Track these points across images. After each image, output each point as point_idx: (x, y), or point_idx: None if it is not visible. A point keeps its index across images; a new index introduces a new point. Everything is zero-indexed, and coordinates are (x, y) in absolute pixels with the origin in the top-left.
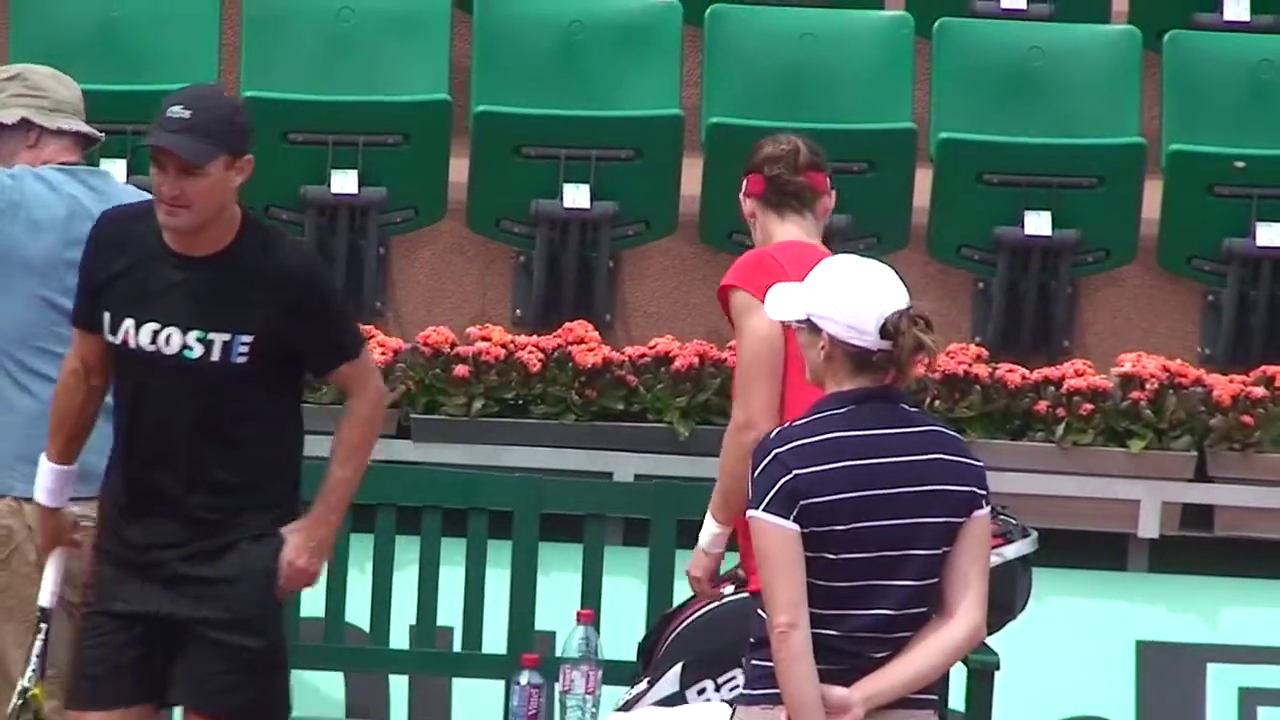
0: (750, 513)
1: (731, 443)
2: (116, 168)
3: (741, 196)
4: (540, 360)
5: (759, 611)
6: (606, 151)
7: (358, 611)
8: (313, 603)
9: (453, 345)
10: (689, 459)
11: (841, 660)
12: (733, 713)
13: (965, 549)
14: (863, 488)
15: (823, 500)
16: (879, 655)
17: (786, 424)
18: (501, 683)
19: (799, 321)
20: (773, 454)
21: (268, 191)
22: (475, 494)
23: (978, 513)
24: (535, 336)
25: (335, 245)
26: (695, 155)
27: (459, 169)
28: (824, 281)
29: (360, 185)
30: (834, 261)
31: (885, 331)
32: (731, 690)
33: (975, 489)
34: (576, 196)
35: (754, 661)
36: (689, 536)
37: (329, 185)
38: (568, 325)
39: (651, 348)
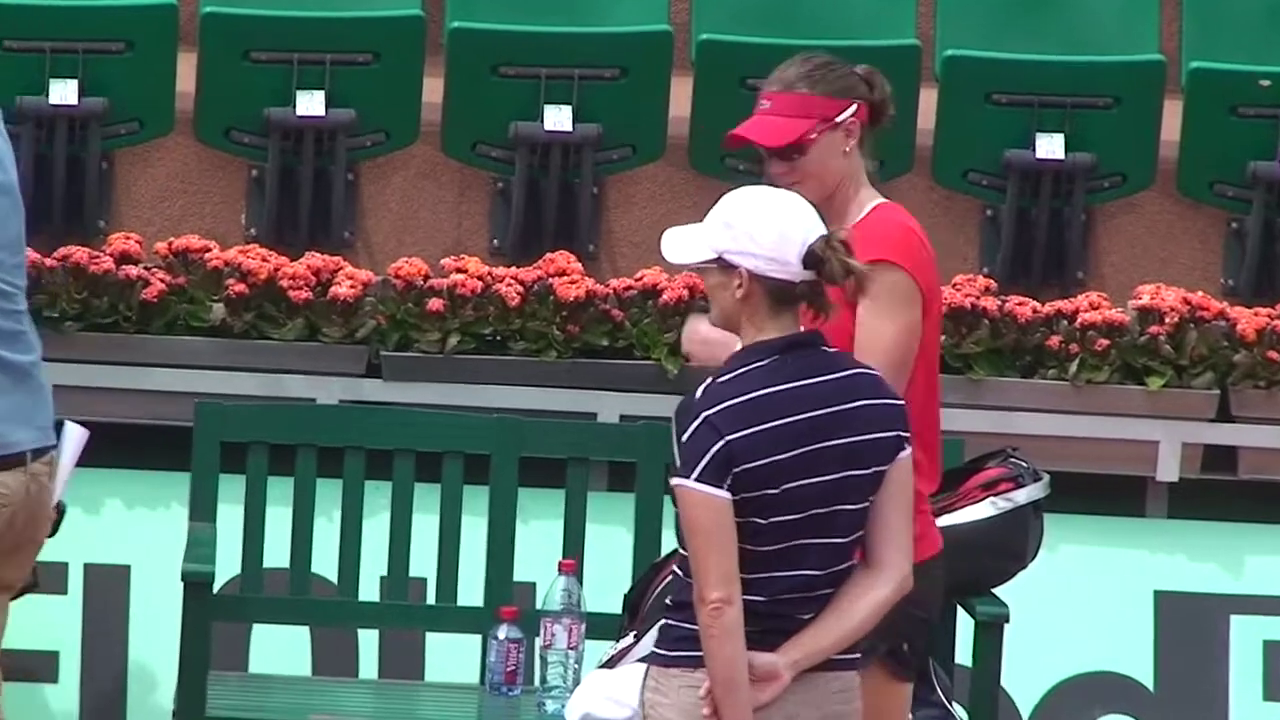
0: (678, 482)
1: None
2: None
3: (835, 129)
4: (519, 294)
5: (677, 570)
6: (590, 71)
7: (324, 562)
8: (276, 553)
9: (426, 278)
10: (678, 399)
11: (765, 624)
12: (645, 672)
13: (890, 496)
14: (795, 446)
15: (756, 465)
16: (804, 616)
17: (710, 380)
18: (478, 637)
19: (707, 262)
20: (702, 417)
21: (229, 114)
22: (450, 436)
23: (901, 455)
24: (514, 268)
25: (301, 171)
26: (684, 74)
27: (433, 89)
28: (734, 214)
29: (327, 107)
30: (739, 193)
31: (808, 260)
32: None
33: (900, 431)
34: (558, 119)
35: (672, 622)
36: None
37: (294, 107)
38: (549, 256)
39: (638, 280)
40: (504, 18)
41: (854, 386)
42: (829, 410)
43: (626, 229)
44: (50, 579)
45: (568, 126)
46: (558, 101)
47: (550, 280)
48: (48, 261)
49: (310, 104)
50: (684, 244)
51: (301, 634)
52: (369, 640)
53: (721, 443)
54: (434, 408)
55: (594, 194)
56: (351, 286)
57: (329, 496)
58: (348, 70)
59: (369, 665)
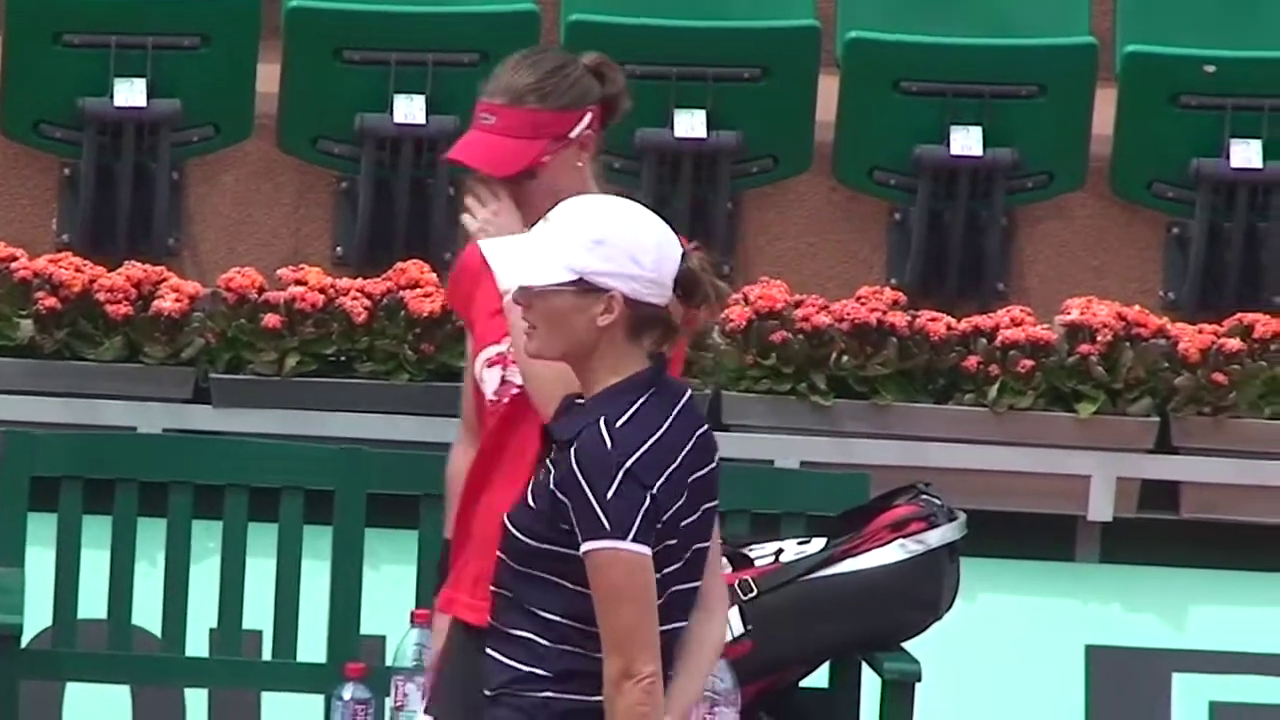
0: (607, 545)
1: None
2: None
3: (569, 146)
4: (367, 309)
5: (535, 636)
6: (443, 55)
7: (147, 612)
8: (92, 602)
9: (260, 290)
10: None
11: None
12: None
13: (715, 533)
14: (685, 485)
15: (670, 513)
16: (670, 673)
17: (604, 422)
18: (320, 697)
19: (561, 284)
20: (624, 470)
21: (38, 104)
22: (288, 469)
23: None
24: (360, 280)
25: (119, 169)
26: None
27: (269, 77)
28: (605, 229)
29: (149, 96)
30: (596, 204)
31: (682, 282)
32: None
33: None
34: (409, 110)
35: (552, 694)
36: None
37: (111, 96)
38: (399, 266)
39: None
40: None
41: (696, 411)
42: (696, 440)
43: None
44: None
45: (420, 119)
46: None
47: (401, 293)
48: None
49: (130, 93)
50: (529, 264)
51: (122, 693)
52: (197, 700)
53: (649, 497)
54: (270, 437)
55: (451, 194)
56: (177, 300)
57: (152, 537)
58: (171, 55)
59: None
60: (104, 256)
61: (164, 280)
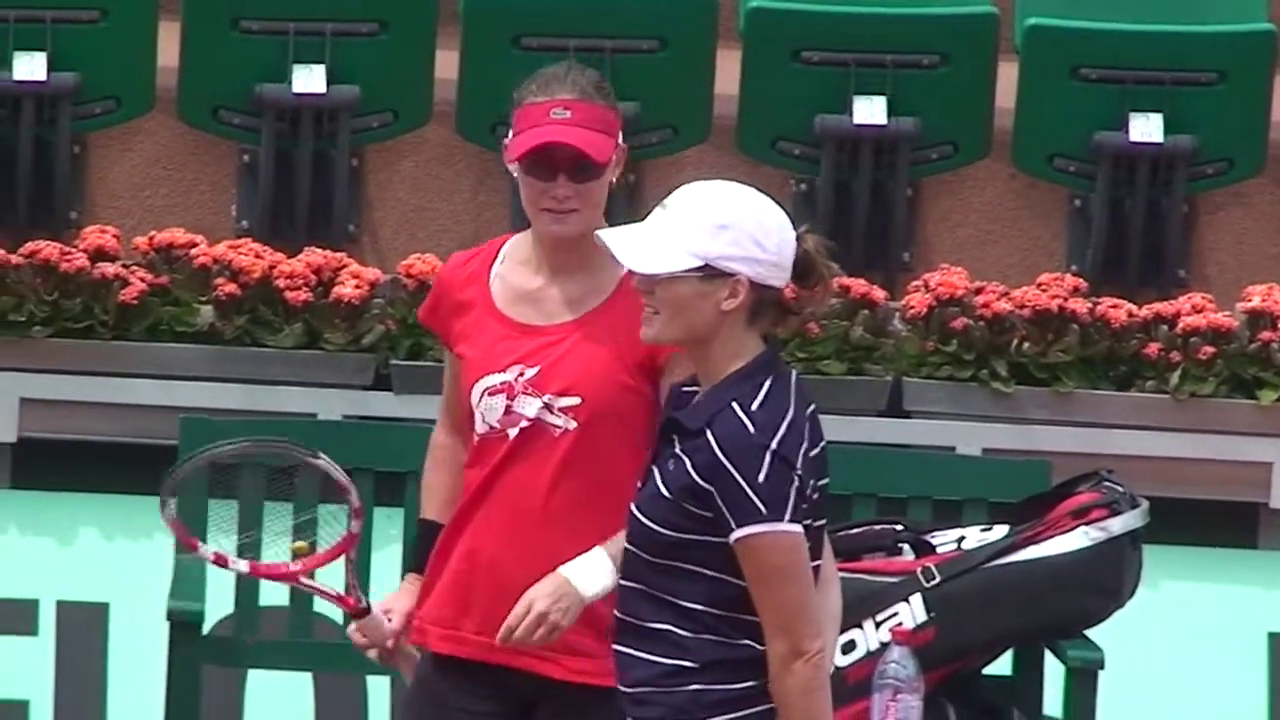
0: (769, 528)
1: None
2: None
3: (619, 152)
4: None
5: (676, 628)
6: (622, 42)
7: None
8: (273, 589)
9: None
10: None
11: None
12: None
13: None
14: (818, 467)
15: (811, 493)
16: None
17: (740, 407)
18: None
19: (688, 271)
20: (771, 452)
21: (216, 90)
22: None
23: None
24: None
25: (298, 156)
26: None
27: (446, 63)
28: (729, 214)
29: (329, 82)
30: (716, 189)
31: (800, 265)
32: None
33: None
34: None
35: (699, 686)
36: None
37: (290, 83)
38: None
39: None
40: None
41: (807, 390)
42: (811, 419)
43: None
44: (17, 618)
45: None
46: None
47: None
48: (13, 259)
49: (309, 79)
50: (652, 252)
51: (303, 680)
52: (379, 688)
53: (796, 477)
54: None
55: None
56: (357, 286)
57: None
58: (352, 43)
59: (379, 716)
60: (283, 243)
61: (344, 266)
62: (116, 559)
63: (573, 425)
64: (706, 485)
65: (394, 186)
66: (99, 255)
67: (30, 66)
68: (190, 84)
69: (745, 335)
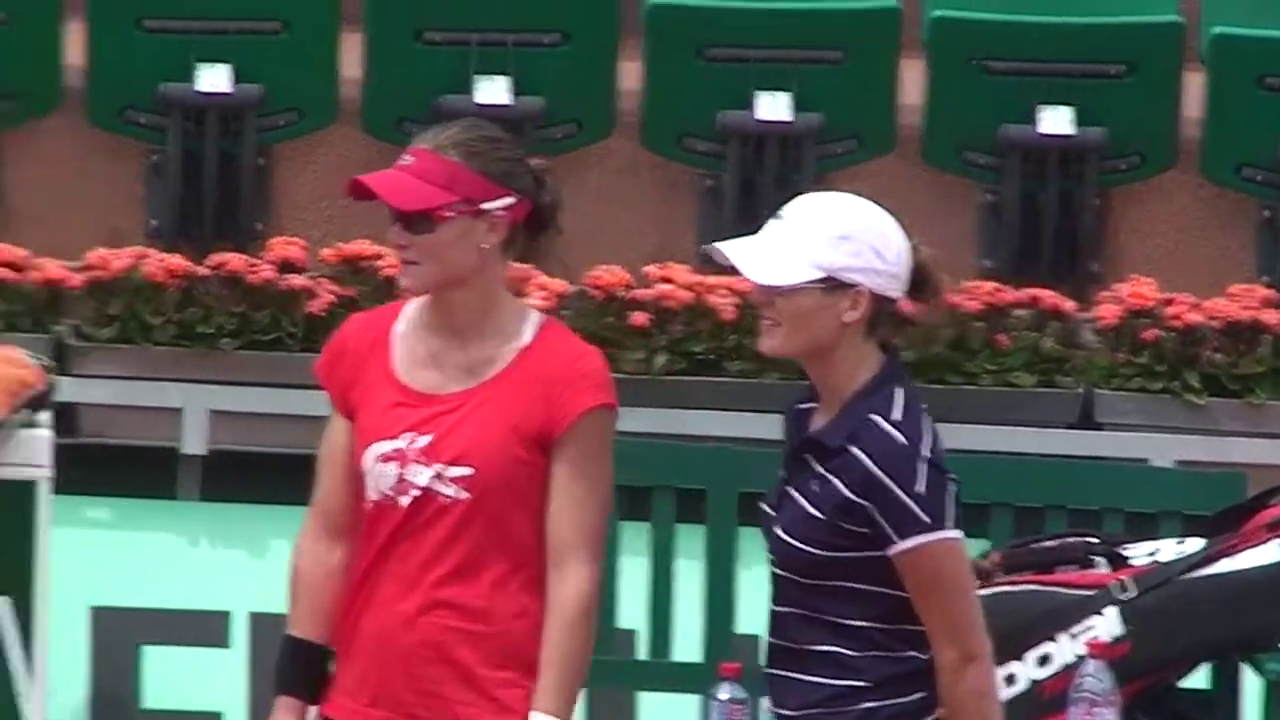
0: (937, 536)
1: None
2: None
3: (478, 217)
4: (735, 306)
5: (844, 649)
6: (808, 53)
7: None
8: None
9: (628, 288)
10: None
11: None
12: None
13: None
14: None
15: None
16: None
17: (884, 418)
18: (696, 697)
19: (810, 283)
20: (927, 460)
21: (398, 101)
22: (659, 469)
23: None
24: (728, 277)
25: None
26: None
27: (629, 75)
28: (849, 225)
29: (515, 94)
30: (836, 200)
31: (916, 277)
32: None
33: None
34: (774, 107)
35: (871, 704)
36: None
37: (472, 94)
38: None
39: None
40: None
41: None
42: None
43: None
44: (210, 630)
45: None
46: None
47: None
48: (200, 271)
49: (492, 91)
50: (774, 263)
51: None
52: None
53: (951, 482)
54: (639, 436)
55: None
56: (544, 298)
57: None
58: (534, 52)
59: None
60: None
61: (531, 278)
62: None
63: (464, 495)
64: (862, 500)
65: (579, 197)
66: (286, 267)
67: (214, 78)
68: (373, 95)
69: (865, 346)
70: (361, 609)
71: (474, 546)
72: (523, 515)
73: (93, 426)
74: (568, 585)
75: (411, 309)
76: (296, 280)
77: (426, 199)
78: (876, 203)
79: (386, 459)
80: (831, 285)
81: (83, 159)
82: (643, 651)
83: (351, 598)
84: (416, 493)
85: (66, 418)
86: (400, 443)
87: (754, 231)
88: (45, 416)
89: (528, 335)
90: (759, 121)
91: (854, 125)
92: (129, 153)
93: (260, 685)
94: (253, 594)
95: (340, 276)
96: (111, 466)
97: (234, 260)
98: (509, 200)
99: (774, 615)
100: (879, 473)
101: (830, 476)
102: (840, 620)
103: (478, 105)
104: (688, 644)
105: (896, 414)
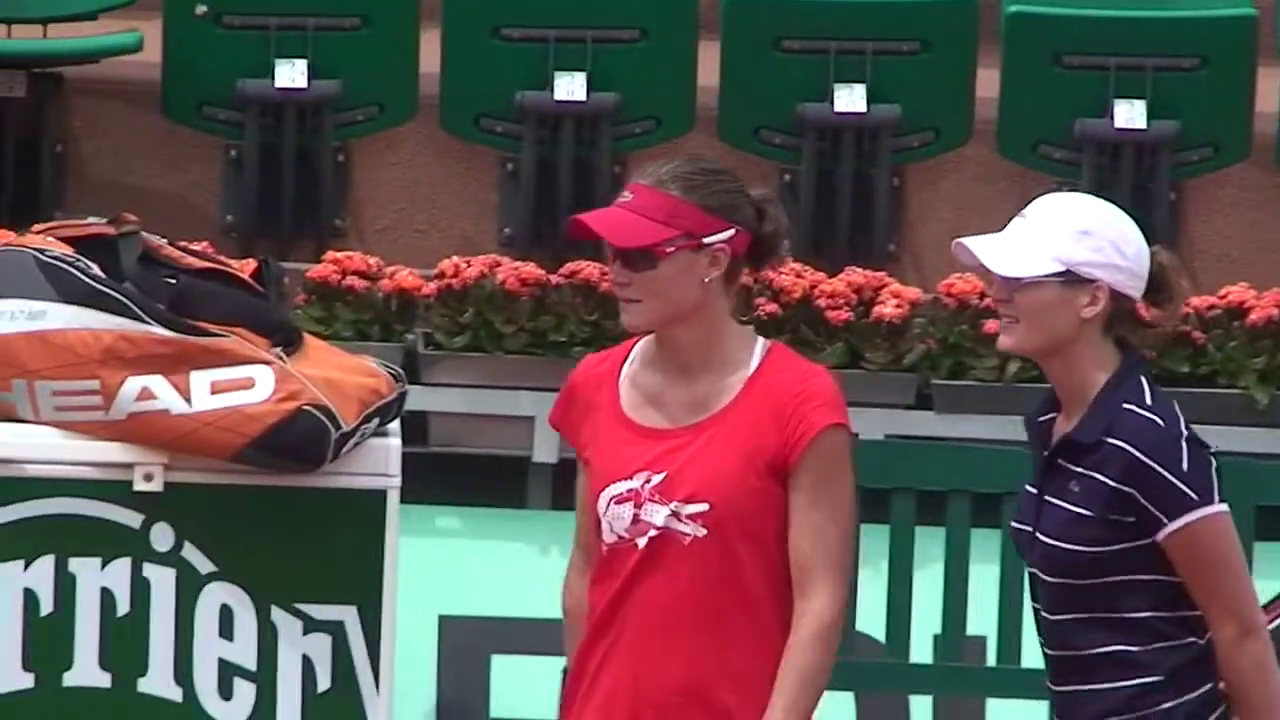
0: (1208, 512)
1: None
2: None
3: (699, 250)
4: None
5: (1163, 642)
6: (1168, 61)
7: (870, 618)
8: None
9: (982, 296)
10: (1268, 431)
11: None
12: None
13: None
14: None
15: None
16: None
17: (1142, 405)
18: (1045, 704)
19: (1049, 276)
20: (1187, 437)
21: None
22: (1012, 475)
23: None
24: None
25: (839, 175)
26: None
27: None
28: (1090, 220)
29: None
30: (1076, 199)
31: (1154, 279)
32: None
33: None
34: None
35: (1166, 705)
36: (1270, 524)
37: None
38: None
39: (1222, 297)
40: (1068, 2)
41: None
42: None
43: (1209, 238)
44: (560, 639)
45: (1141, 124)
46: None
47: None
48: (552, 279)
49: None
50: (1015, 256)
51: (846, 700)
52: (922, 707)
53: (1212, 457)
54: (992, 443)
55: (1171, 199)
56: (898, 306)
57: (875, 544)
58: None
59: None
60: (824, 262)
61: (884, 286)
62: None
63: (702, 532)
64: (1128, 489)
65: (936, 205)
66: None
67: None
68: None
69: (1103, 344)
70: (606, 658)
71: (713, 593)
72: (758, 554)
73: (443, 435)
74: (811, 606)
75: (640, 347)
76: None
77: (647, 235)
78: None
79: (621, 500)
80: (1071, 280)
81: (436, 167)
82: (992, 658)
83: (592, 642)
84: (654, 532)
85: (417, 427)
86: (634, 482)
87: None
88: (395, 426)
89: (754, 363)
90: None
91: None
92: (483, 161)
93: None
94: None
95: None
96: (462, 475)
97: (587, 269)
98: (730, 233)
99: (1051, 626)
100: (1143, 458)
101: (1091, 473)
102: (1121, 615)
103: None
104: (1037, 650)
105: (1148, 399)
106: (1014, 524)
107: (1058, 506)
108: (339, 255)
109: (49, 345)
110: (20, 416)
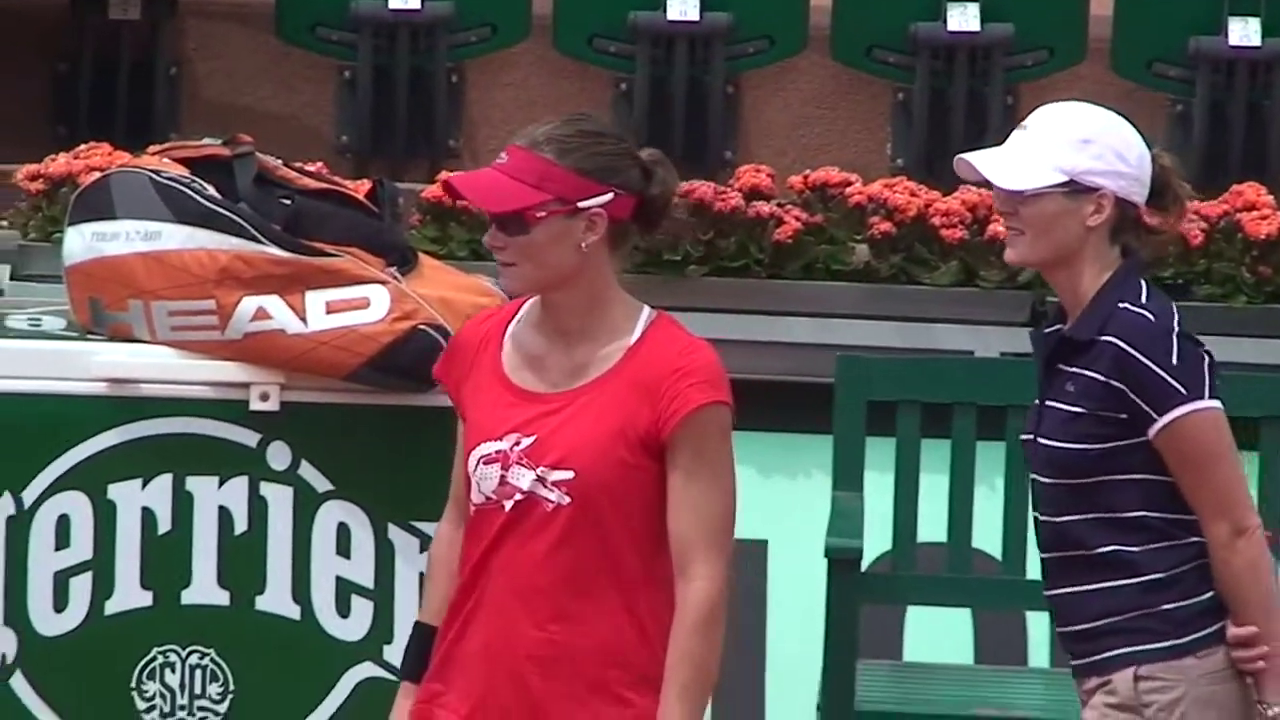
0: (1198, 406)
1: None
2: None
3: (574, 215)
4: (1203, 231)
5: (1162, 542)
6: None
7: (987, 535)
8: (932, 526)
9: None
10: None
11: None
12: (1132, 676)
13: None
14: None
15: None
16: None
17: (1130, 304)
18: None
19: (1052, 187)
20: (1178, 333)
21: (869, 29)
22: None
23: None
24: (1196, 202)
25: (952, 94)
26: None
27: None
28: (1089, 129)
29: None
30: (1075, 107)
31: (1156, 183)
32: None
33: None
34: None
35: (1166, 607)
36: None
37: (944, 21)
38: (1235, 189)
39: None
40: None
41: None
42: None
43: None
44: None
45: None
46: None
47: (1238, 216)
48: None
49: (963, 19)
50: (1018, 169)
51: (962, 617)
52: (1039, 624)
53: (1206, 354)
54: None
55: None
56: None
57: (990, 461)
58: None
59: (1040, 653)
60: (936, 181)
61: None
62: (775, 496)
63: (566, 500)
64: (1119, 384)
65: None
66: (753, 194)
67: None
68: (843, 23)
69: (1109, 253)
70: (468, 619)
71: (575, 565)
72: (625, 532)
73: None
74: (692, 588)
75: (527, 308)
76: (764, 207)
77: (517, 199)
78: None
79: (489, 460)
80: (1075, 189)
81: (551, 87)
82: None
83: (459, 602)
84: (519, 496)
85: None
86: (504, 444)
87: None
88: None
89: (636, 333)
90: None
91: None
92: (597, 82)
93: (778, 614)
94: None
95: (808, 203)
96: None
97: (702, 188)
98: (607, 197)
99: (1048, 528)
100: (1132, 352)
101: (1084, 370)
102: (1119, 515)
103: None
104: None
105: (1143, 298)
106: (1021, 437)
107: (1055, 408)
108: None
109: (165, 266)
110: (137, 337)
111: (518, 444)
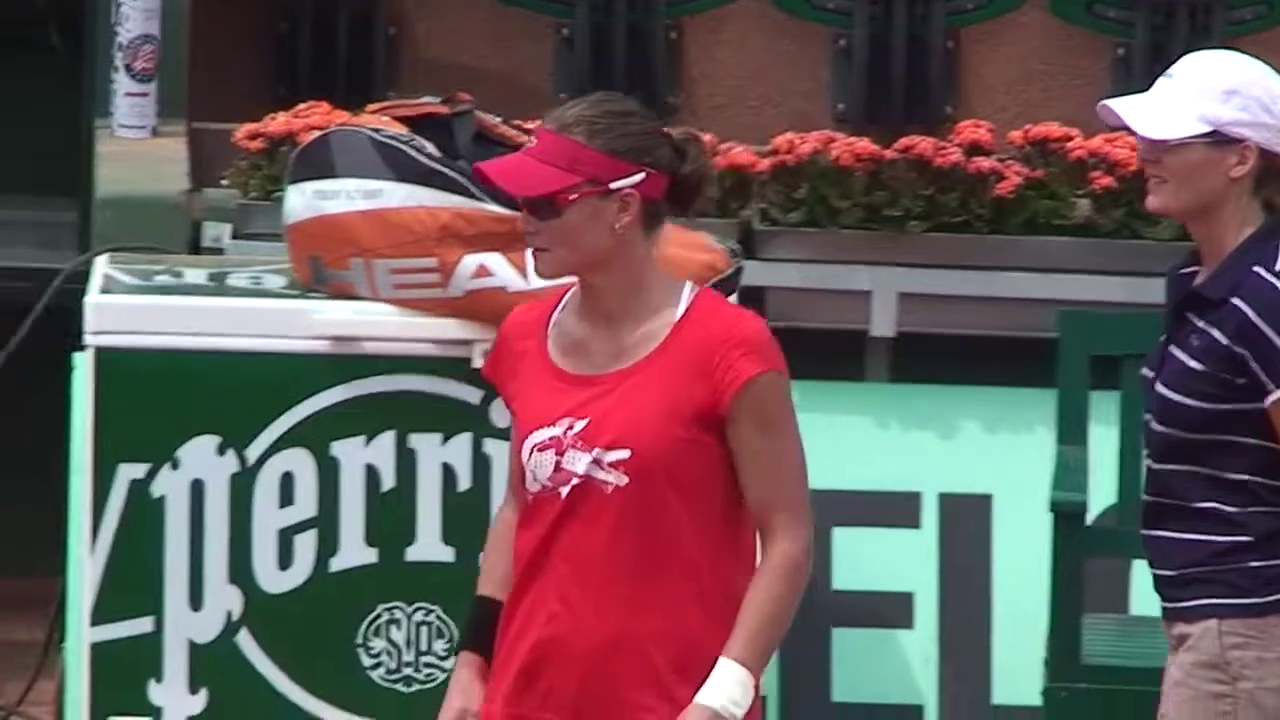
0: None
1: None
2: None
3: (606, 197)
4: None
5: (1261, 507)
6: None
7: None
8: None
9: None
10: None
11: None
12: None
13: None
14: None
15: None
16: None
17: (1267, 265)
18: None
19: (1196, 137)
20: None
21: None
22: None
23: None
24: None
25: (1172, 50)
26: None
27: None
28: (1235, 79)
29: None
30: (1220, 56)
31: None
32: None
33: None
34: None
35: (1256, 563)
36: None
37: None
38: None
39: None
40: None
41: None
42: None
43: None
44: (901, 511)
45: None
46: None
47: None
48: (887, 154)
49: None
50: (1162, 118)
51: None
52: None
53: None
54: None
55: None
56: None
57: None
58: None
59: None
60: None
61: None
62: (998, 451)
63: (624, 481)
64: (1241, 350)
65: None
66: (973, 150)
67: None
68: None
69: (1251, 204)
70: (533, 605)
71: (636, 545)
72: (684, 506)
73: (780, 310)
74: (777, 549)
75: (571, 294)
76: (984, 163)
77: (548, 183)
78: None
79: (543, 447)
80: (1218, 140)
81: (769, 44)
82: None
83: (521, 590)
84: (576, 481)
85: (754, 302)
86: (557, 429)
87: None
88: (731, 301)
89: (680, 309)
90: None
91: None
92: (816, 38)
93: (953, 566)
94: (942, 475)
95: (1029, 159)
96: (800, 350)
97: (922, 143)
98: (639, 177)
99: (1153, 473)
100: (1259, 321)
101: (1210, 329)
102: (1222, 474)
103: None
104: None
105: (1276, 264)
106: (1141, 370)
107: (1176, 358)
108: None
109: (386, 224)
110: (359, 294)
111: (571, 428)
